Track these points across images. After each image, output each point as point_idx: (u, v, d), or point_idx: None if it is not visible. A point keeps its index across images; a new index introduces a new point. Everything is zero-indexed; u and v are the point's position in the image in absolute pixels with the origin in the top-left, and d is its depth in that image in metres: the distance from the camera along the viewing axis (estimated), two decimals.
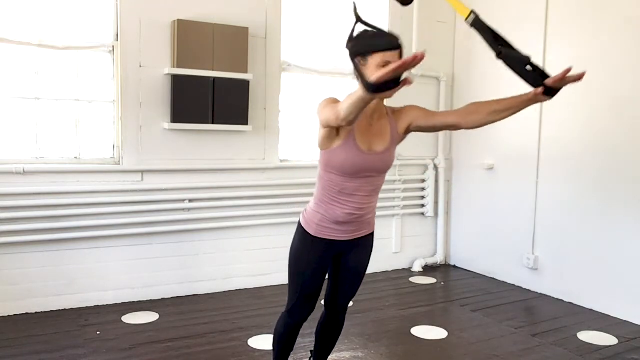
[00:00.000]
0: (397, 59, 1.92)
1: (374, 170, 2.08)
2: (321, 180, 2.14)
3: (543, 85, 1.78)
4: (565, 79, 1.73)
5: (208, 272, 4.14)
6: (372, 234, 2.30)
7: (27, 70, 3.56)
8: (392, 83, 1.53)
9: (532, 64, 1.81)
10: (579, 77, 1.72)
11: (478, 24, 1.92)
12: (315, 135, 2.08)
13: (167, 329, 3.40)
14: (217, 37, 3.85)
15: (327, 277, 2.34)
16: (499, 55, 1.86)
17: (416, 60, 1.39)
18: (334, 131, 2.00)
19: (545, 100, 1.86)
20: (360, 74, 1.64)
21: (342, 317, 2.45)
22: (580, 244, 4.03)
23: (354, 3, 1.95)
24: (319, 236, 2.16)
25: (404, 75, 1.54)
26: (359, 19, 1.94)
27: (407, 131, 2.17)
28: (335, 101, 1.93)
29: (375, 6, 4.68)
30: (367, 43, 1.94)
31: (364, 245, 2.27)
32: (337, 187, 2.08)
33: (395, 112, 2.17)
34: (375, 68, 1.88)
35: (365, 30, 2.01)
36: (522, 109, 1.93)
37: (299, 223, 2.24)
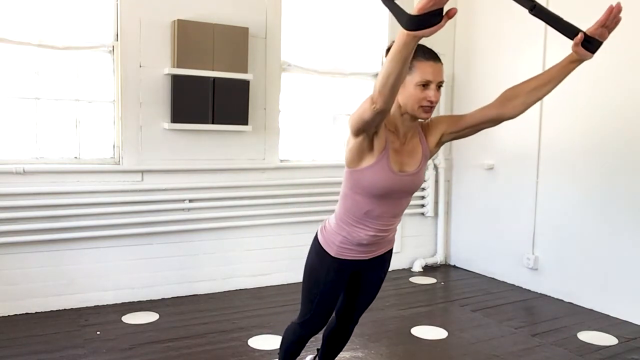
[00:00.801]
0: (439, 73, 1.83)
1: (403, 191, 1.96)
2: (345, 199, 1.99)
3: (583, 32, 1.65)
4: (606, 20, 1.61)
5: (208, 272, 4.14)
6: (391, 251, 2.22)
7: (27, 70, 3.56)
8: (435, 16, 1.32)
9: (561, 19, 1.71)
10: (617, 12, 1.62)
11: None
12: (344, 150, 1.93)
13: (167, 329, 3.40)
14: (217, 37, 3.85)
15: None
16: (532, 10, 1.75)
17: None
18: (366, 143, 1.82)
19: (587, 58, 1.73)
20: (397, 11, 1.38)
21: (351, 327, 2.41)
22: (580, 244, 4.03)
23: None
24: (339, 257, 2.05)
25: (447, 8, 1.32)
26: None
27: (440, 144, 2.05)
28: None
29: (374, 6, 4.68)
30: None
31: (383, 260, 2.19)
32: (363, 209, 1.95)
33: (424, 127, 2.04)
34: (414, 86, 1.81)
35: None
36: (564, 77, 1.81)
37: (317, 240, 2.11)
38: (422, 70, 1.81)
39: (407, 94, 1.82)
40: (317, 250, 2.10)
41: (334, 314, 2.35)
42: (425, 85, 1.81)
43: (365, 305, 2.32)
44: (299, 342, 2.32)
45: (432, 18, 1.33)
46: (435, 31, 1.34)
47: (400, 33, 1.38)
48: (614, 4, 1.58)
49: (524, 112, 1.92)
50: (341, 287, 2.16)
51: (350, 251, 2.05)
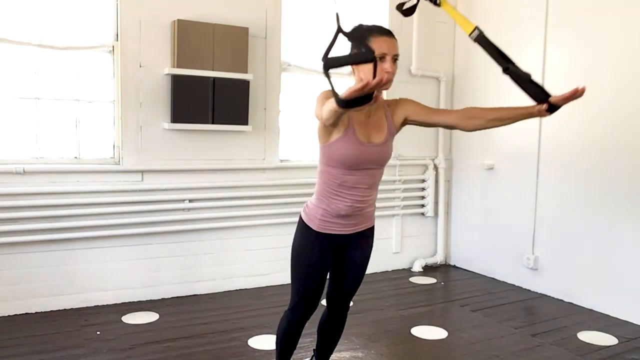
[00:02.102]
0: (393, 47, 2.00)
1: (373, 162, 2.10)
2: (322, 175, 2.16)
3: (548, 102, 1.83)
4: (570, 97, 1.79)
5: (208, 272, 4.14)
6: (372, 228, 2.32)
7: (27, 70, 3.56)
8: (363, 99, 1.55)
9: (532, 81, 1.87)
10: (582, 93, 1.78)
11: (482, 40, 1.98)
12: (315, 129, 2.10)
13: (167, 329, 3.40)
14: (217, 37, 3.85)
15: (328, 275, 2.34)
16: (506, 71, 1.90)
17: (381, 83, 1.48)
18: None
19: (546, 116, 1.92)
20: (332, 90, 1.66)
21: (344, 314, 2.45)
22: (580, 244, 4.03)
23: (337, 13, 1.92)
24: (322, 231, 2.17)
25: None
26: (340, 30, 1.90)
27: (404, 124, 2.22)
28: (328, 96, 1.92)
29: (375, 6, 4.69)
30: (363, 32, 2.01)
31: (365, 237, 2.29)
32: (338, 180, 2.09)
33: (391, 104, 2.21)
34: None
35: (360, 24, 2.06)
36: (521, 120, 2.01)
37: (300, 219, 2.24)
38: (378, 45, 1.97)
39: (367, 69, 1.96)
40: (301, 228, 2.23)
41: (325, 304, 2.42)
42: (381, 58, 1.97)
43: (353, 286, 2.37)
44: (291, 330, 2.35)
45: (360, 100, 1.53)
46: (364, 109, 1.60)
47: (334, 102, 1.64)
48: (580, 87, 1.79)
49: (486, 123, 2.09)
50: (327, 264, 2.25)
51: (332, 224, 2.16)
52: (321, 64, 1.71)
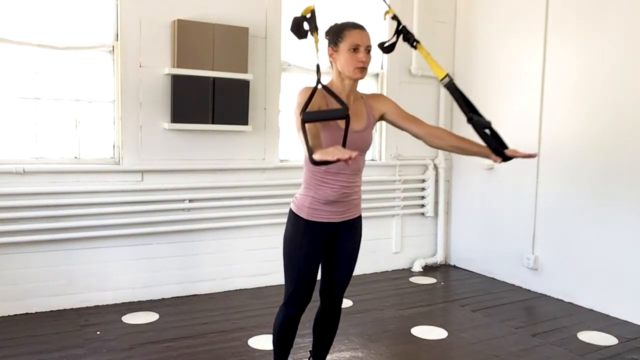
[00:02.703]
0: (366, 38, 2.14)
1: (355, 148, 2.11)
2: (307, 164, 2.23)
3: (503, 154, 2.07)
4: (523, 157, 2.05)
5: (208, 272, 4.14)
6: (360, 218, 2.38)
7: (27, 70, 3.56)
8: (333, 161, 1.68)
9: (492, 129, 2.10)
10: (530, 156, 2.04)
11: (451, 87, 2.15)
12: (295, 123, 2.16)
13: (167, 329, 3.40)
14: (217, 37, 3.85)
15: (320, 269, 2.38)
16: (470, 121, 2.09)
17: (349, 160, 1.62)
18: None
19: (498, 162, 2.14)
20: (307, 145, 1.80)
21: (338, 309, 2.47)
22: (580, 244, 4.03)
23: (317, 65, 2.04)
24: (311, 219, 2.23)
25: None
26: (318, 81, 2.01)
27: (380, 119, 2.33)
28: (306, 96, 2.02)
29: (374, 6, 4.68)
30: (338, 28, 2.18)
31: (354, 227, 2.35)
32: (322, 167, 2.14)
33: (369, 97, 2.33)
34: (347, 52, 2.12)
35: (335, 23, 2.23)
36: (475, 156, 2.22)
37: (290, 210, 2.30)
38: (351, 37, 2.13)
39: (343, 60, 2.15)
40: (291, 219, 2.29)
41: (319, 300, 2.45)
42: (355, 49, 2.13)
43: (344, 278, 2.40)
44: (287, 325, 2.38)
45: (329, 161, 1.68)
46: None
47: (306, 153, 1.80)
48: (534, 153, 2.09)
49: (448, 147, 2.28)
50: (318, 253, 2.29)
51: (321, 212, 2.23)
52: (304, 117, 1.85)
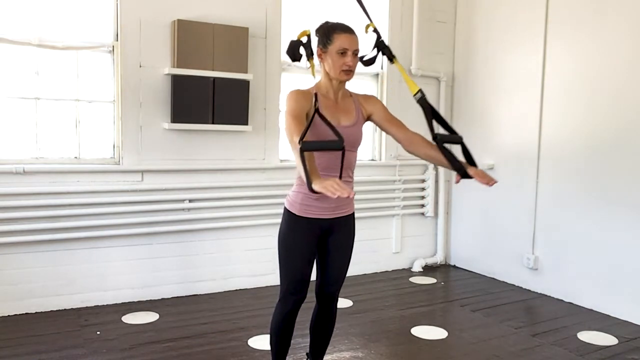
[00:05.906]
0: (354, 42, 2.20)
1: (345, 142, 2.13)
2: (299, 163, 2.23)
3: (465, 172, 2.13)
4: (483, 181, 2.10)
5: (208, 272, 4.14)
6: (353, 215, 2.41)
7: (27, 70, 3.56)
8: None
9: (463, 145, 2.16)
10: (488, 184, 2.10)
11: (423, 102, 2.19)
12: (284, 122, 2.18)
13: (167, 329, 3.40)
14: (217, 37, 3.85)
15: (315, 267, 2.39)
16: (435, 139, 2.12)
17: (348, 199, 1.67)
18: None
19: (456, 181, 2.21)
20: (306, 174, 1.83)
21: (333, 307, 2.48)
22: (580, 243, 4.03)
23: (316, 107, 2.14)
24: (304, 215, 2.26)
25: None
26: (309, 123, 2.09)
27: (367, 119, 2.37)
28: (297, 99, 2.11)
29: (374, 5, 4.68)
30: (327, 28, 2.22)
31: (347, 224, 2.38)
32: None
33: (360, 96, 2.38)
34: (334, 54, 2.18)
35: (326, 21, 2.28)
36: (446, 168, 2.24)
37: (284, 208, 2.33)
38: (340, 41, 2.19)
39: (331, 62, 2.21)
40: (285, 217, 2.33)
41: (315, 299, 2.46)
42: (343, 52, 2.19)
43: (337, 275, 2.42)
44: (284, 322, 2.39)
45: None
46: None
47: (304, 180, 1.85)
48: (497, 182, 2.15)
49: (421, 154, 2.31)
50: (312, 248, 2.31)
51: (313, 208, 2.26)
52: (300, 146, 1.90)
